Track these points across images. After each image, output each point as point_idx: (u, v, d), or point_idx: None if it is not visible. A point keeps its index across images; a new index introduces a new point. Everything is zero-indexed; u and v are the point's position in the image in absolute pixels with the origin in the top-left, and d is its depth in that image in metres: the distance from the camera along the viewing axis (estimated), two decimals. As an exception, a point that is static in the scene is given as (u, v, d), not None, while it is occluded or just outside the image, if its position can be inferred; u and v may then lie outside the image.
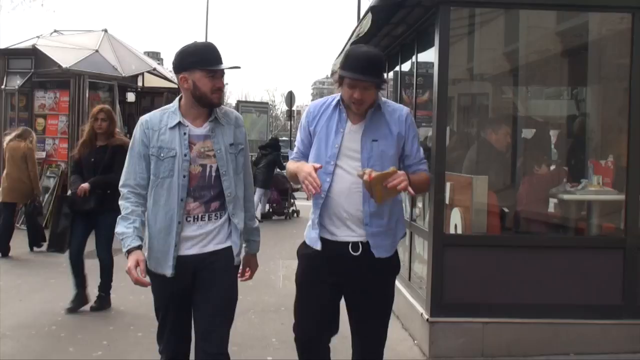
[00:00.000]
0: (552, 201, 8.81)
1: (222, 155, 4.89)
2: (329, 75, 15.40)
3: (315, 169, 4.69)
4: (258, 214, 21.46)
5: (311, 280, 5.05)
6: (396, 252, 5.11)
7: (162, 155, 4.83)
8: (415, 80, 9.72)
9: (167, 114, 4.96)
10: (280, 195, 22.23)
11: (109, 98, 18.22)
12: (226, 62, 4.93)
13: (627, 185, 7.71)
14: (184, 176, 4.80)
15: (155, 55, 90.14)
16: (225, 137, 4.96)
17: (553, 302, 7.56)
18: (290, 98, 43.12)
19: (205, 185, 4.88)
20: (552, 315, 7.55)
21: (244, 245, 5.19)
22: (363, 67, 4.73)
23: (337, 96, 5.03)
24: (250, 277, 5.38)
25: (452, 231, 8.03)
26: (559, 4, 8.07)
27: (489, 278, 7.57)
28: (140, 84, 21.11)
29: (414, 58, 9.70)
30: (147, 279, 4.75)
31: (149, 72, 20.71)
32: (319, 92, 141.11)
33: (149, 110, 15.98)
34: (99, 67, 18.31)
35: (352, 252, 4.88)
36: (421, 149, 5.12)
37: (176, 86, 21.11)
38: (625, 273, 7.61)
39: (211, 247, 4.91)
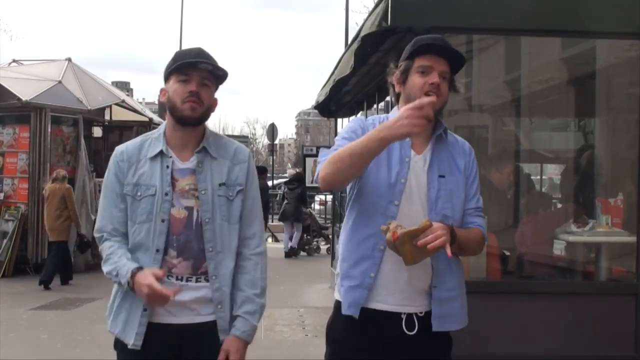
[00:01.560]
0: (558, 243, 8.84)
1: (208, 198, 4.16)
2: (315, 106, 15.34)
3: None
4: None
5: None
6: None
7: (139, 194, 4.16)
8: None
9: (150, 141, 4.29)
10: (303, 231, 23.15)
11: (73, 133, 18.24)
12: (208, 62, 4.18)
13: (638, 225, 7.75)
14: (163, 220, 4.11)
15: (125, 86, 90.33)
16: (215, 175, 4.22)
17: (560, 353, 7.55)
18: (272, 131, 43.05)
19: (191, 236, 4.17)
20: (558, 368, 7.56)
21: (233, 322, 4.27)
22: (443, 45, 4.21)
23: (390, 114, 4.38)
24: None
25: (449, 277, 8.03)
26: (562, 31, 8.06)
27: (490, 327, 7.56)
28: (107, 117, 21.14)
29: (406, 88, 9.76)
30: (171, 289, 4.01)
31: (117, 104, 20.73)
32: (303, 124, 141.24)
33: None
34: (62, 99, 18.29)
35: (406, 331, 4.17)
36: (480, 196, 4.48)
37: (147, 119, 21.28)
38: (638, 321, 7.62)
39: (202, 317, 4.20)
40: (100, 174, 19.36)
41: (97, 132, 21.19)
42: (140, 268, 4.06)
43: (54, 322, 11.95)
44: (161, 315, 4.15)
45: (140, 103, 33.36)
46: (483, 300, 7.62)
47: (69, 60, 20.19)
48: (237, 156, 4.33)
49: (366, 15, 9.03)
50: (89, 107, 18.69)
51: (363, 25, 8.90)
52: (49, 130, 17.61)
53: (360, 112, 14.86)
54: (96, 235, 4.33)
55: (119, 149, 4.34)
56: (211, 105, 4.30)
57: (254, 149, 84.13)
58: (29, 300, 13.77)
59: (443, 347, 4.39)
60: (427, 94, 4.06)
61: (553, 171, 13.01)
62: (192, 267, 4.17)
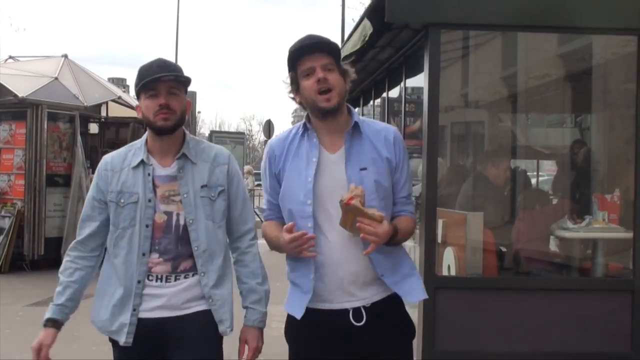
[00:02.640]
0: (554, 239, 8.85)
1: (190, 201, 4.39)
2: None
3: (289, 229, 4.16)
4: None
5: None
6: (406, 311, 4.61)
7: (122, 201, 4.39)
8: (404, 107, 9.80)
9: (133, 150, 4.55)
10: None
11: (70, 129, 18.18)
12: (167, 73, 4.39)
13: (635, 221, 7.72)
14: (147, 226, 4.35)
15: (121, 82, 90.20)
16: (197, 178, 4.45)
17: (555, 349, 7.53)
18: (268, 127, 43.00)
19: (170, 239, 4.40)
20: (554, 364, 7.55)
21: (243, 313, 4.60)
22: (312, 42, 4.32)
23: (299, 124, 4.53)
24: (251, 358, 4.59)
25: (444, 272, 8.06)
26: (559, 27, 8.04)
27: (485, 324, 7.56)
28: (104, 113, 21.09)
29: (402, 84, 9.77)
30: None
31: (113, 100, 20.65)
32: (300, 120, 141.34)
33: (114, 143, 16.19)
34: (59, 96, 18.25)
35: (354, 322, 4.27)
36: (410, 183, 4.57)
37: (144, 116, 21.23)
38: (635, 318, 7.58)
39: (179, 311, 4.41)
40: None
41: (94, 128, 21.13)
42: (50, 320, 4.64)
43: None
44: (147, 311, 4.40)
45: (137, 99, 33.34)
46: (479, 297, 7.64)
47: (66, 56, 20.13)
48: (217, 159, 4.57)
49: (362, 11, 9.03)
50: (86, 104, 18.64)
51: (359, 22, 8.90)
52: (46, 126, 17.56)
53: (357, 109, 14.86)
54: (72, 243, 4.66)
55: (105, 158, 4.63)
56: (184, 110, 4.49)
57: (251, 145, 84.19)
58: (25, 296, 13.73)
59: (400, 331, 4.49)
60: (320, 93, 4.22)
61: (549, 167, 13.03)
62: (172, 266, 4.41)
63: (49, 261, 17.25)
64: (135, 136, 20.74)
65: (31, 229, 17.18)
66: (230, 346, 4.72)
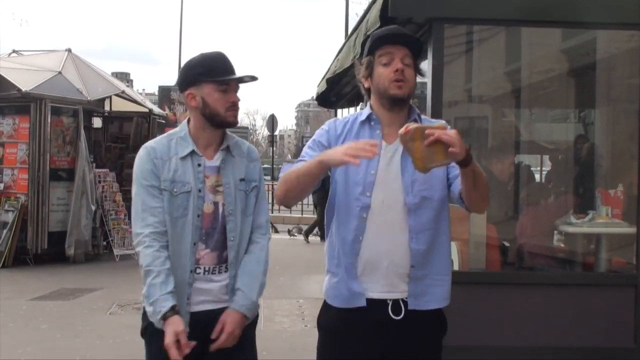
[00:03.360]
0: (557, 234, 8.85)
1: (231, 192, 4.48)
2: (314, 97, 15.36)
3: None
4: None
5: None
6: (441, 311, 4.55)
7: (175, 190, 4.40)
8: (408, 102, 9.80)
9: (175, 140, 4.53)
10: None
11: (73, 124, 18.18)
12: (240, 72, 4.52)
13: (638, 216, 7.74)
14: (198, 216, 4.41)
15: (125, 77, 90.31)
16: (236, 171, 4.56)
17: (558, 344, 7.56)
18: (272, 122, 42.99)
19: (217, 229, 4.48)
20: (557, 359, 7.58)
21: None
22: (398, 32, 4.35)
23: (364, 111, 4.47)
24: (223, 341, 4.38)
25: (448, 267, 8.03)
26: (562, 22, 8.04)
27: (489, 318, 7.58)
28: (107, 108, 21.10)
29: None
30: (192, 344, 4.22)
31: (117, 95, 20.65)
32: (303, 115, 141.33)
33: (117, 137, 16.18)
34: (62, 90, 18.23)
35: (392, 316, 4.25)
36: None
37: (147, 110, 21.26)
38: (638, 313, 7.61)
39: (225, 303, 4.45)
40: (99, 164, 19.37)
41: (97, 122, 21.13)
42: (173, 308, 4.23)
43: (54, 313, 11.94)
44: (196, 304, 4.43)
45: (140, 94, 33.43)
46: (482, 291, 7.65)
47: (69, 50, 20.12)
48: (251, 155, 4.69)
49: (366, 5, 9.02)
50: (89, 98, 18.63)
51: (363, 16, 8.90)
52: (49, 120, 17.54)
53: (360, 104, 14.86)
54: (138, 233, 4.41)
55: (150, 146, 4.54)
56: None
57: (254, 140, 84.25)
58: (29, 290, 13.75)
59: (433, 330, 4.46)
60: (395, 81, 4.21)
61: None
62: (217, 257, 4.48)
63: (53, 255, 17.29)
64: (139, 130, 20.84)
65: (35, 223, 17.18)
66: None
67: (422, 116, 4.48)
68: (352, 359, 4.32)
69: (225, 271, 4.48)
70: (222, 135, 4.60)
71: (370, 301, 4.26)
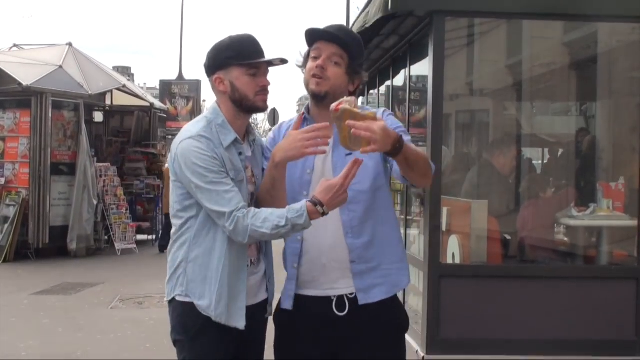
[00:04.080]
0: (559, 227, 8.86)
1: (259, 182, 4.36)
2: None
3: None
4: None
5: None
6: (399, 302, 4.50)
7: (233, 177, 4.16)
8: (409, 95, 9.79)
9: (214, 127, 4.25)
10: None
11: (74, 118, 18.21)
12: (270, 55, 4.30)
13: (639, 209, 7.77)
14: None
15: (126, 71, 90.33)
16: (259, 161, 4.45)
17: (560, 337, 7.57)
18: (273, 116, 42.95)
19: None
20: (558, 352, 7.56)
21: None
22: (328, 31, 4.32)
23: (303, 109, 4.49)
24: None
25: (449, 261, 8.06)
26: (564, 14, 8.04)
27: (490, 311, 7.59)
28: (108, 102, 21.13)
29: (406, 72, 9.76)
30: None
31: (118, 89, 20.70)
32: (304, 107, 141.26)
33: (118, 131, 16.16)
34: (63, 84, 18.27)
35: (336, 312, 4.21)
36: (406, 131, 4.33)
37: (148, 104, 21.29)
38: (639, 305, 7.64)
39: (258, 299, 4.39)
40: (101, 159, 19.39)
41: (98, 117, 21.18)
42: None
43: (56, 307, 11.97)
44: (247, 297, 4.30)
45: (142, 88, 33.39)
46: (483, 285, 7.67)
47: (70, 45, 20.15)
48: (261, 144, 4.56)
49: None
50: (90, 92, 18.66)
51: (364, 9, 8.91)
52: (50, 115, 17.58)
53: (361, 97, 14.85)
54: (237, 213, 4.04)
55: (200, 134, 4.18)
56: None
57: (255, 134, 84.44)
58: (30, 285, 13.77)
59: (388, 324, 4.34)
60: (313, 77, 4.23)
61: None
62: (257, 248, 4.37)
63: (54, 250, 17.34)
64: (140, 125, 20.88)
65: (36, 218, 17.22)
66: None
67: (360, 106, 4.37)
68: (304, 357, 4.31)
69: (260, 261, 4.40)
70: (247, 124, 4.42)
71: (314, 299, 4.25)
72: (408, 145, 3.91)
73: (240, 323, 4.19)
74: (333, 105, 3.77)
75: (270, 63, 4.30)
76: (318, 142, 3.93)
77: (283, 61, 4.32)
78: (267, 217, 4.00)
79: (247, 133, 4.41)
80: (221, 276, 4.18)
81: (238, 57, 4.22)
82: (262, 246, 4.41)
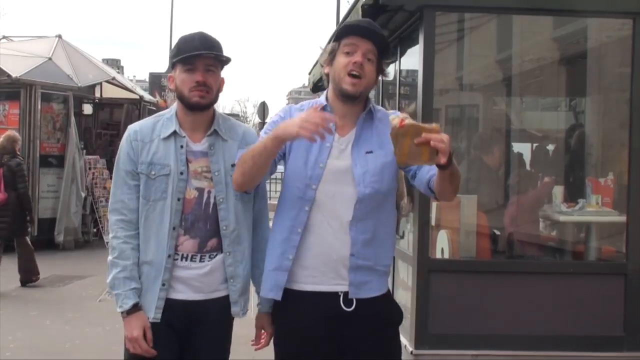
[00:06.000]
0: (547, 223, 8.86)
1: (221, 179, 4.32)
2: (306, 84, 15.45)
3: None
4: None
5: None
6: (392, 297, 4.59)
7: (153, 172, 4.28)
8: (399, 90, 9.78)
9: (162, 121, 4.42)
10: None
11: (64, 110, 18.19)
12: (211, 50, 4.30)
13: (628, 205, 7.75)
14: (179, 199, 4.26)
15: (115, 63, 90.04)
16: (227, 156, 4.38)
17: (548, 333, 7.58)
18: (263, 109, 42.92)
19: (200, 216, 4.32)
20: (547, 348, 7.58)
21: (255, 298, 4.57)
22: (367, 27, 4.26)
23: (320, 100, 4.42)
24: (268, 342, 4.56)
25: (438, 255, 8.05)
26: (554, 9, 8.05)
27: (479, 307, 7.59)
28: (98, 94, 21.11)
29: (396, 66, 9.75)
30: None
31: (107, 81, 20.68)
32: (295, 102, 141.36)
33: (108, 124, 16.15)
34: (53, 76, 18.26)
35: (344, 308, 4.20)
36: None
37: (138, 97, 21.26)
38: (627, 301, 7.63)
39: (204, 295, 4.36)
40: (90, 151, 19.36)
41: (88, 109, 21.14)
42: (135, 305, 4.26)
43: (44, 299, 11.97)
44: (172, 291, 4.32)
45: (131, 80, 33.31)
46: (472, 280, 7.67)
47: (60, 37, 20.14)
48: (246, 138, 4.48)
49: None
50: (80, 85, 18.65)
51: (354, 3, 8.89)
52: (39, 107, 17.57)
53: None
54: (109, 216, 4.44)
55: (133, 128, 4.49)
56: (219, 88, 4.45)
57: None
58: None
59: (384, 319, 4.38)
60: (350, 74, 4.16)
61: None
62: (198, 245, 4.33)
63: (42, 242, 17.28)
64: (129, 117, 20.83)
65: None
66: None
67: (377, 107, 4.47)
68: (308, 350, 4.28)
69: (209, 259, 4.35)
70: (210, 119, 4.46)
71: (321, 294, 4.23)
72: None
73: (150, 314, 4.29)
74: (396, 122, 3.78)
75: (198, 56, 4.26)
76: (319, 133, 3.87)
77: (218, 57, 4.33)
78: (116, 262, 4.30)
79: (210, 127, 4.43)
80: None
81: (177, 55, 4.31)
82: (218, 245, 4.38)
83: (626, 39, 7.93)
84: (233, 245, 4.37)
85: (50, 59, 18.73)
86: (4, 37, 21.22)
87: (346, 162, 4.23)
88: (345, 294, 4.21)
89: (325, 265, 4.21)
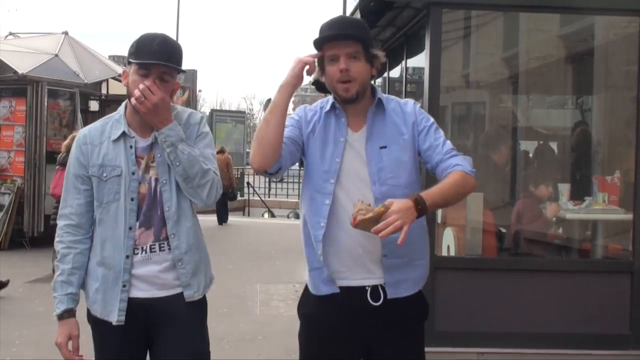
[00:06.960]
0: (553, 220, 8.85)
1: (164, 160, 4.23)
2: (312, 82, 15.19)
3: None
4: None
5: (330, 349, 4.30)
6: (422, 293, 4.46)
7: (104, 174, 4.23)
8: (405, 87, 9.78)
9: (111, 123, 4.34)
10: None
11: (70, 106, 18.18)
12: (168, 61, 4.15)
13: (635, 203, 7.75)
14: (132, 199, 4.21)
15: (122, 60, 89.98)
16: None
17: (554, 331, 7.58)
18: (268, 106, 43.00)
19: (152, 205, 4.26)
20: (552, 346, 7.58)
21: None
22: (336, 33, 4.20)
23: (328, 100, 4.39)
24: None
25: (444, 253, 8.08)
26: (561, 7, 8.06)
27: (485, 304, 7.59)
28: (104, 91, 21.08)
29: (403, 64, 9.75)
30: (82, 356, 4.31)
31: (114, 78, 20.60)
32: (301, 100, 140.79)
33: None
34: (59, 73, 18.22)
35: (371, 302, 4.17)
36: (446, 139, 4.31)
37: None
38: (633, 299, 7.64)
39: (166, 291, 4.29)
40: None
41: (94, 106, 21.09)
42: (67, 311, 4.36)
43: (50, 295, 11.79)
44: (135, 290, 4.27)
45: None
46: (478, 277, 7.66)
47: (66, 33, 20.10)
48: (190, 120, 4.39)
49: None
50: (86, 81, 18.63)
51: (360, 1, 8.88)
52: (46, 103, 17.54)
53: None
54: (57, 222, 4.40)
55: (82, 132, 4.42)
56: (171, 93, 4.34)
57: (251, 124, 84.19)
58: (25, 273, 13.73)
59: (415, 315, 4.38)
60: (339, 82, 4.17)
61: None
62: (154, 234, 4.27)
63: (49, 238, 17.11)
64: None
65: (31, 206, 17.19)
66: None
67: (385, 95, 4.43)
68: (333, 346, 4.28)
69: (169, 248, 4.26)
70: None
71: (348, 289, 4.20)
72: (433, 195, 3.99)
73: (113, 317, 4.26)
74: (351, 220, 3.85)
75: (156, 65, 4.13)
76: (309, 62, 4.14)
77: (169, 68, 4.18)
78: (60, 263, 4.33)
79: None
80: (91, 267, 4.35)
81: (134, 54, 4.18)
82: (163, 233, 4.28)
83: (633, 37, 7.93)
84: (176, 227, 4.27)
85: (56, 55, 18.69)
86: (11, 33, 21.21)
87: (361, 159, 4.22)
88: (374, 288, 4.18)
89: (352, 260, 4.19)
